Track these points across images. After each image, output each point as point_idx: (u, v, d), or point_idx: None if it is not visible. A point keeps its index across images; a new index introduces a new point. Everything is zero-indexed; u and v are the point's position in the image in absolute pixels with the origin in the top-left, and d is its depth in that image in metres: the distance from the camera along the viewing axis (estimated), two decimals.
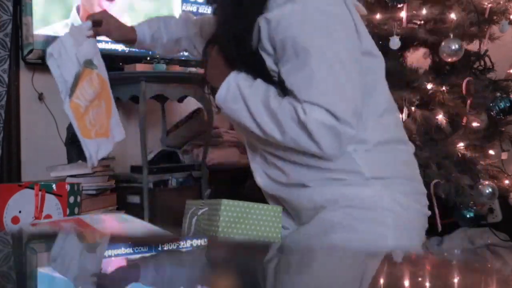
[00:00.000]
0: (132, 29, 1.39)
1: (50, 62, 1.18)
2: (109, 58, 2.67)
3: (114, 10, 2.72)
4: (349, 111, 1.01)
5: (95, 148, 1.24)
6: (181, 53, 2.92)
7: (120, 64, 2.64)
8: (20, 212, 2.09)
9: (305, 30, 1.01)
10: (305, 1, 1.01)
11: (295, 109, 1.01)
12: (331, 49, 1.01)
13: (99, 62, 1.23)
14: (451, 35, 1.91)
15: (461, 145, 1.97)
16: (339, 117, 0.99)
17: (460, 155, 1.95)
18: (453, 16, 2.01)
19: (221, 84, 1.10)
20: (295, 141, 1.03)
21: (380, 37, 2.01)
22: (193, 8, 3.01)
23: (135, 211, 2.54)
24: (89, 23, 1.24)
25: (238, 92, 1.07)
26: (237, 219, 1.10)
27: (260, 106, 1.05)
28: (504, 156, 2.10)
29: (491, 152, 2.09)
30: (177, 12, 2.94)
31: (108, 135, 1.26)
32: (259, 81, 1.08)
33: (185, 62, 2.79)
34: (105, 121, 1.26)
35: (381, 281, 0.60)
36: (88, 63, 1.19)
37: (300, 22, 1.00)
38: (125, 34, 1.33)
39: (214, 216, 1.14)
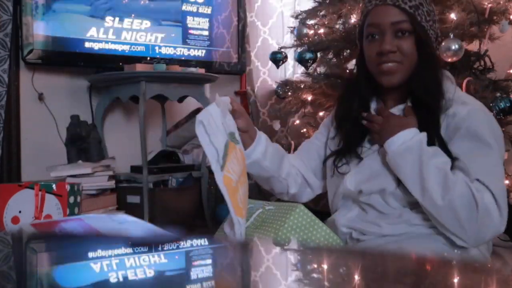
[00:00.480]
0: (256, 130, 1.32)
1: (199, 130, 1.10)
2: (109, 58, 2.68)
3: None
4: (506, 207, 1.11)
5: (241, 229, 1.14)
6: (182, 53, 2.93)
7: (120, 64, 2.64)
8: (20, 212, 2.09)
9: (486, 127, 1.14)
10: (484, 110, 1.19)
11: (468, 183, 1.08)
12: (501, 152, 1.17)
13: (239, 138, 1.14)
14: (451, 35, 1.90)
15: None
16: (501, 207, 1.09)
17: None
18: (453, 16, 2.01)
19: (395, 134, 1.16)
20: (454, 210, 1.07)
21: None
22: (193, 8, 3.01)
23: (135, 211, 2.55)
24: (228, 98, 1.19)
25: (418, 145, 1.12)
26: (301, 228, 1.13)
27: (433, 165, 1.10)
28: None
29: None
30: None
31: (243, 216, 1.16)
32: (439, 148, 1.15)
33: (185, 62, 2.80)
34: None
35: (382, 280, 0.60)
36: (232, 136, 1.13)
37: (484, 120, 1.15)
38: (250, 126, 1.25)
39: (281, 217, 1.15)
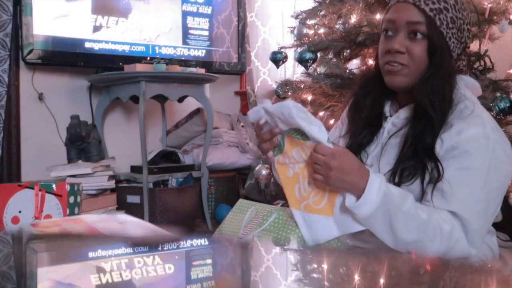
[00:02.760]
0: None
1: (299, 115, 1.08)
2: (109, 58, 2.68)
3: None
4: (480, 240, 1.09)
5: (302, 223, 1.12)
6: (182, 53, 2.93)
7: (120, 64, 2.64)
8: (20, 212, 2.09)
9: (486, 157, 1.07)
10: (492, 130, 1.09)
11: (439, 223, 1.04)
12: (498, 183, 1.10)
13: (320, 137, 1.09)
14: None
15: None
16: (473, 243, 1.06)
17: None
18: None
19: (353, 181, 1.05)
20: (424, 248, 1.04)
21: None
22: (193, 8, 3.01)
23: (135, 211, 2.55)
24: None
25: (385, 201, 1.04)
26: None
27: (401, 215, 1.04)
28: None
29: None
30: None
31: (330, 213, 1.10)
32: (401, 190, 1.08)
33: (185, 62, 2.80)
34: (328, 198, 1.12)
35: (381, 281, 0.60)
36: (298, 133, 1.09)
37: (487, 148, 1.07)
38: None
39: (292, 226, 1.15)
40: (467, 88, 1.19)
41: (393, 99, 1.24)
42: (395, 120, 1.20)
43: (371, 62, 2.06)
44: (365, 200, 1.03)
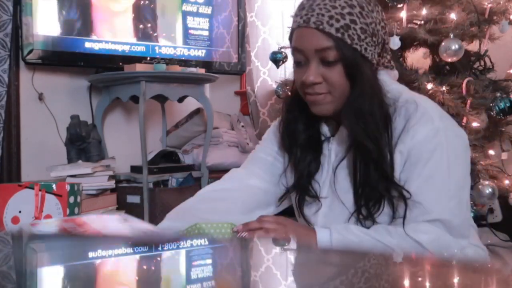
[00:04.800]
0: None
1: None
2: (109, 58, 2.68)
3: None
4: (467, 233, 1.07)
5: None
6: (182, 53, 2.93)
7: (120, 64, 2.64)
8: (20, 212, 2.09)
9: (442, 153, 1.03)
10: (440, 119, 1.05)
11: (409, 240, 1.02)
12: (461, 175, 1.07)
13: None
14: (451, 35, 1.90)
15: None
16: (462, 234, 1.05)
17: None
18: (453, 16, 2.01)
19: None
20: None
21: None
22: (193, 8, 3.01)
23: (135, 211, 2.54)
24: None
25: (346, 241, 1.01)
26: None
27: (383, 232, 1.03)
28: (504, 156, 2.10)
29: (491, 152, 2.10)
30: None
31: None
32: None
33: (185, 62, 2.80)
34: None
35: (381, 280, 0.60)
36: None
37: (442, 144, 1.03)
38: None
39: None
40: (394, 79, 1.15)
41: (328, 119, 1.15)
42: (340, 138, 1.13)
43: None
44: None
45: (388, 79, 1.12)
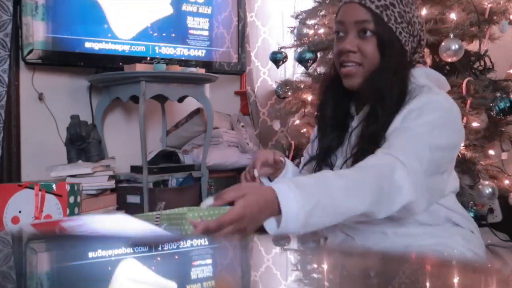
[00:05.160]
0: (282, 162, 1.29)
1: None
2: (109, 58, 2.68)
3: None
4: (422, 187, 1.03)
5: None
6: (182, 53, 2.93)
7: (120, 64, 2.64)
8: (20, 212, 2.09)
9: (433, 113, 1.08)
10: (445, 100, 1.12)
11: (379, 165, 1.01)
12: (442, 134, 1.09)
13: None
14: (451, 35, 1.90)
15: (461, 145, 1.97)
16: (413, 182, 1.00)
17: (460, 155, 1.95)
18: (453, 16, 2.01)
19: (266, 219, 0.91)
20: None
21: None
22: (193, 8, 3.01)
23: (135, 211, 2.55)
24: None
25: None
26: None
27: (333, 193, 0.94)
28: (504, 156, 2.10)
29: (491, 152, 2.09)
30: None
31: None
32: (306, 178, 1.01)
33: (185, 62, 2.80)
34: None
35: (378, 279, 0.60)
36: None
37: (433, 107, 1.09)
38: (275, 167, 1.27)
39: (179, 230, 1.07)
40: (429, 79, 1.19)
41: (358, 98, 1.23)
42: (361, 117, 1.20)
43: None
44: (287, 220, 0.89)
45: (423, 76, 1.19)
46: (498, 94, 1.90)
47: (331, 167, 1.21)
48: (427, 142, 1.05)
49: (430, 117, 1.07)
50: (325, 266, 0.70)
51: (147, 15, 2.82)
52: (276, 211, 0.90)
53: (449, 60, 1.91)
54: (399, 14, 1.13)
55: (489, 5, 2.03)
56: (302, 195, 0.90)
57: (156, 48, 2.84)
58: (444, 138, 1.09)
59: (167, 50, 2.88)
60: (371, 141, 1.10)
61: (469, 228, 1.20)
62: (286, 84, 2.50)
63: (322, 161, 1.23)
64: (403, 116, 1.10)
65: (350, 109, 1.24)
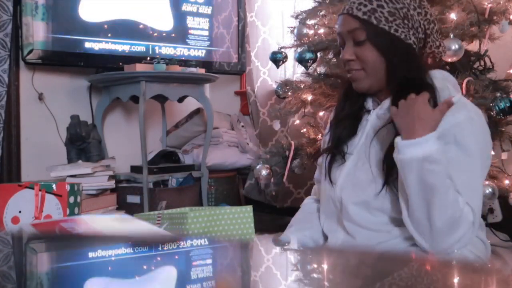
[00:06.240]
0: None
1: None
2: (109, 58, 2.68)
3: None
4: (478, 223, 1.11)
5: None
6: (182, 53, 2.93)
7: (120, 64, 2.64)
8: (20, 212, 2.09)
9: (475, 138, 1.12)
10: (479, 119, 1.15)
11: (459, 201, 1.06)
12: (484, 164, 1.15)
13: None
14: (451, 35, 1.90)
15: None
16: (475, 225, 1.08)
17: None
18: (453, 16, 2.01)
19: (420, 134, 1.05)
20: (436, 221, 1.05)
21: None
22: (193, 8, 3.01)
23: (135, 211, 2.54)
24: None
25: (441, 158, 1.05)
26: (206, 229, 1.05)
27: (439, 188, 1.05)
28: (504, 156, 2.09)
29: (491, 152, 2.09)
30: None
31: None
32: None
33: (185, 62, 2.80)
34: None
35: (378, 279, 0.60)
36: None
37: (476, 131, 1.12)
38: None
39: (180, 230, 1.08)
40: (448, 82, 1.22)
41: (373, 97, 1.28)
42: (379, 111, 1.23)
43: None
44: (410, 148, 1.05)
45: (441, 78, 1.21)
46: (498, 94, 1.90)
47: (343, 155, 1.26)
48: (481, 177, 1.13)
49: (477, 147, 1.10)
50: (325, 266, 0.70)
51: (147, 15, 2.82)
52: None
53: (449, 60, 1.91)
54: (390, 13, 1.16)
55: (489, 5, 2.03)
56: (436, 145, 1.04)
57: (156, 48, 2.84)
58: (485, 163, 1.15)
59: (167, 50, 2.88)
60: None
61: (480, 236, 1.21)
62: (286, 84, 2.50)
63: (335, 149, 1.28)
64: (441, 130, 1.09)
65: (366, 104, 1.29)
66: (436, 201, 1.04)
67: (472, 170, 1.09)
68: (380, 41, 1.16)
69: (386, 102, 1.22)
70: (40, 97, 2.67)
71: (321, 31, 2.38)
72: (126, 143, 2.93)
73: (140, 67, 2.53)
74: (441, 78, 1.21)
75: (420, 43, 1.20)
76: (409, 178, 1.05)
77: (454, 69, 2.08)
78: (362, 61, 1.19)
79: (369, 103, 1.28)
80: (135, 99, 2.65)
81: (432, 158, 1.03)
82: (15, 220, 2.09)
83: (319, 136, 2.38)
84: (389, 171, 1.13)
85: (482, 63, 2.13)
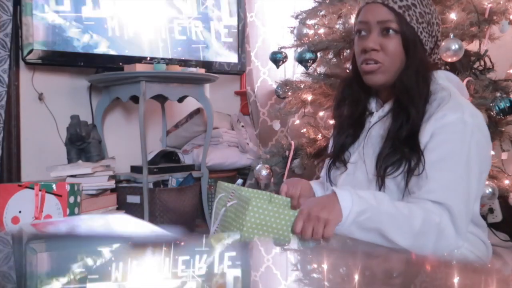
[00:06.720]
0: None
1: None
2: (109, 58, 2.68)
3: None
4: (465, 223, 1.08)
5: None
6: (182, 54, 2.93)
7: (120, 64, 2.64)
8: (20, 212, 2.09)
9: (465, 140, 1.10)
10: (471, 116, 1.13)
11: (424, 210, 1.05)
12: (476, 166, 1.12)
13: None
14: (451, 35, 1.90)
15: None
16: (458, 226, 1.06)
17: None
18: (453, 16, 2.01)
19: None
20: (420, 243, 1.05)
21: None
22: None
23: (135, 211, 2.55)
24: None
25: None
26: (264, 222, 1.06)
27: (385, 215, 1.05)
28: (504, 156, 2.09)
29: (491, 152, 2.10)
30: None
31: None
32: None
33: (185, 62, 2.80)
34: None
35: (378, 278, 0.60)
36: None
37: (466, 132, 1.10)
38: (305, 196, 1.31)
39: (241, 214, 1.10)
40: (451, 82, 1.23)
41: (376, 97, 1.27)
42: (381, 113, 1.23)
43: None
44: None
45: (445, 78, 1.23)
46: (498, 94, 1.90)
47: (345, 163, 1.26)
48: (468, 179, 1.09)
49: (465, 149, 1.09)
50: (325, 266, 0.70)
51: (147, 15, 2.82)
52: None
53: (449, 60, 1.91)
54: (420, 15, 1.17)
55: (489, 5, 2.03)
56: (358, 198, 1.03)
57: None
58: (481, 166, 1.13)
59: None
60: (406, 144, 1.13)
61: (480, 237, 1.21)
62: (286, 84, 2.50)
63: (337, 157, 1.28)
64: (432, 130, 1.11)
65: (369, 106, 1.28)
66: (390, 233, 1.03)
67: (454, 170, 1.08)
68: (408, 37, 1.16)
69: (387, 106, 1.23)
70: (40, 97, 2.67)
71: (321, 31, 2.38)
72: (126, 143, 2.93)
73: (140, 67, 2.53)
74: (444, 79, 1.22)
75: (430, 52, 1.22)
76: (360, 236, 1.04)
77: (454, 69, 2.08)
78: (385, 53, 1.17)
79: (373, 105, 1.28)
80: (135, 99, 2.65)
81: (360, 210, 1.03)
82: (15, 220, 2.09)
83: (319, 136, 2.38)
84: (384, 170, 1.14)
85: (482, 63, 2.13)
